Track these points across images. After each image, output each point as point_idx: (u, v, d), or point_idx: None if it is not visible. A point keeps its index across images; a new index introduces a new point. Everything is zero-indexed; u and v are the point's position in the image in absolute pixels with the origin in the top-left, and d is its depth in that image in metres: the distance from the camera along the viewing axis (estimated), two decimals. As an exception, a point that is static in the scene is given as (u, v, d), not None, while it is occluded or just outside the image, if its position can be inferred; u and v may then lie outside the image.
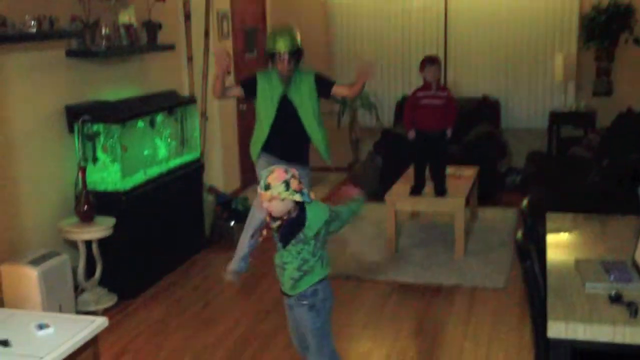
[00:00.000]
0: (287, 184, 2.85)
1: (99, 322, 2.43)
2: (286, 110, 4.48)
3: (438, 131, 5.43)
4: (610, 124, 6.37)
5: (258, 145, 4.56)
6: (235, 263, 4.63)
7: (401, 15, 7.89)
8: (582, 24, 7.32)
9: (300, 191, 2.87)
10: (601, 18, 7.17)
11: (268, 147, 4.53)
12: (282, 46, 4.36)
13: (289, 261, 2.99)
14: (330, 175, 8.21)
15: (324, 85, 4.57)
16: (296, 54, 4.41)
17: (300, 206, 2.93)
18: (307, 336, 3.14)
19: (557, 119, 7.47)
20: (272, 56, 4.42)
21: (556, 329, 2.42)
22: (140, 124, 5.04)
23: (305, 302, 3.04)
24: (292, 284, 3.03)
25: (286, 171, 2.89)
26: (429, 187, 5.58)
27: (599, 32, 7.22)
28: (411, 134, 5.49)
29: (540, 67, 7.61)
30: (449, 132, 5.46)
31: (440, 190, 5.52)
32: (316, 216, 2.95)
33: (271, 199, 2.88)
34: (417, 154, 5.61)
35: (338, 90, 4.62)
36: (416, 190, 5.58)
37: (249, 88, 4.53)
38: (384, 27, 7.98)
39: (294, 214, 2.92)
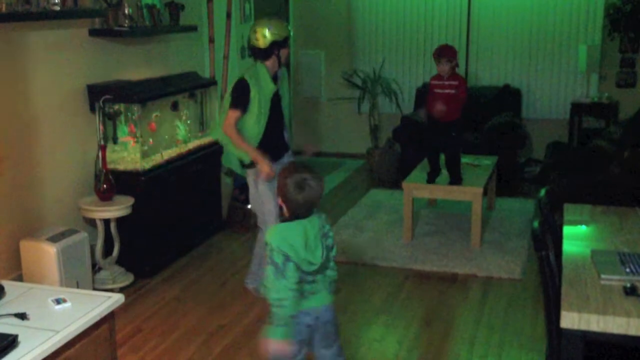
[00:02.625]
0: None
1: (116, 298, 2.45)
2: (277, 104, 4.31)
3: (448, 121, 5.38)
4: (632, 116, 6.30)
5: (253, 143, 4.24)
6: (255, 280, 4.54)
7: (424, 2, 7.85)
8: (607, 14, 7.23)
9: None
10: (627, 8, 7.08)
11: (264, 142, 4.25)
12: (290, 31, 4.29)
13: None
14: (348, 162, 8.23)
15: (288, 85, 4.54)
16: None
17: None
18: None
19: (579, 109, 7.39)
20: (283, 43, 4.19)
21: (569, 320, 2.41)
22: (161, 104, 5.07)
23: None
24: None
25: None
26: (446, 175, 5.57)
27: (624, 23, 7.13)
28: (420, 113, 5.60)
29: (564, 57, 7.53)
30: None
31: (455, 179, 5.49)
32: None
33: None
34: (429, 142, 5.59)
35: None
36: (430, 178, 5.56)
37: (246, 104, 4.18)
38: (406, 14, 7.94)
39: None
